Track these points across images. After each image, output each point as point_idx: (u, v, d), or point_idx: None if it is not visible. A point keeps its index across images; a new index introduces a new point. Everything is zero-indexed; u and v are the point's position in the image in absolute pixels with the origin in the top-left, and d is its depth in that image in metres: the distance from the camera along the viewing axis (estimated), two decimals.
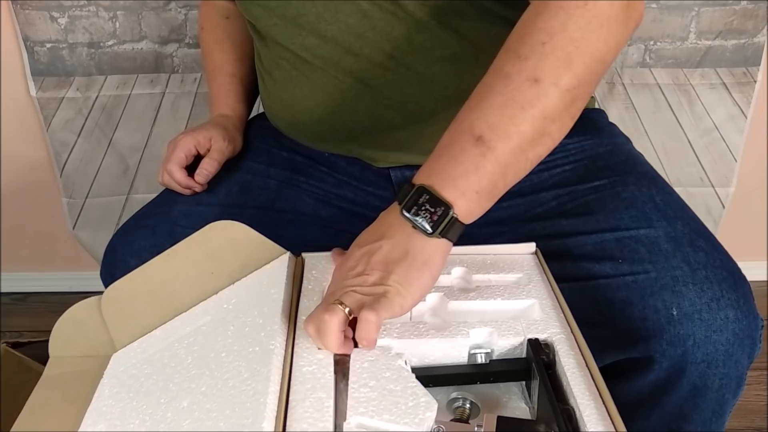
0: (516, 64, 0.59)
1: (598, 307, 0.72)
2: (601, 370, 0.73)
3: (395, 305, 0.56)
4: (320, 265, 0.70)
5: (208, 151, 0.88)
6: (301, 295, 0.66)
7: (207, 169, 0.86)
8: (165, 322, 0.69)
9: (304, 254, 0.71)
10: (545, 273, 0.69)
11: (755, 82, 1.38)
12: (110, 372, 0.67)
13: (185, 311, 0.70)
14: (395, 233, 0.60)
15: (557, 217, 0.80)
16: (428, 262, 0.59)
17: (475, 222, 0.60)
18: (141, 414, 0.58)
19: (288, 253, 0.70)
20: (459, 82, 0.79)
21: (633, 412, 0.75)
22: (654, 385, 0.73)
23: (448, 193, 0.59)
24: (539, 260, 0.71)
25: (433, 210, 0.58)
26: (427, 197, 0.59)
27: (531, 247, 0.72)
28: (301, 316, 0.62)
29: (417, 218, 0.59)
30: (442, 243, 0.60)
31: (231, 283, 0.70)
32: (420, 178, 0.60)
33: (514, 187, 0.62)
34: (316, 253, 0.71)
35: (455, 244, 0.61)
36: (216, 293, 0.70)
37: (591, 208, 0.79)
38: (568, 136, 0.80)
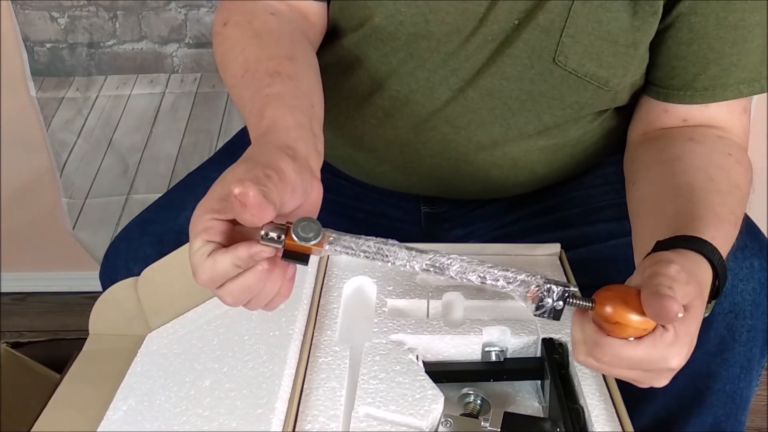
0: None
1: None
2: None
3: None
4: (342, 263, 0.71)
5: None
6: (324, 282, 0.69)
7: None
8: (197, 305, 0.73)
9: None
10: (566, 275, 0.69)
11: None
12: (143, 351, 0.71)
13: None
14: None
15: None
16: None
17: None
18: (167, 391, 0.62)
19: None
20: (548, 170, 0.80)
21: None
22: None
23: None
24: (562, 262, 0.71)
25: None
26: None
27: (555, 248, 0.72)
28: (323, 303, 0.66)
29: None
30: None
31: None
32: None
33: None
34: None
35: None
36: None
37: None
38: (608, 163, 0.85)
